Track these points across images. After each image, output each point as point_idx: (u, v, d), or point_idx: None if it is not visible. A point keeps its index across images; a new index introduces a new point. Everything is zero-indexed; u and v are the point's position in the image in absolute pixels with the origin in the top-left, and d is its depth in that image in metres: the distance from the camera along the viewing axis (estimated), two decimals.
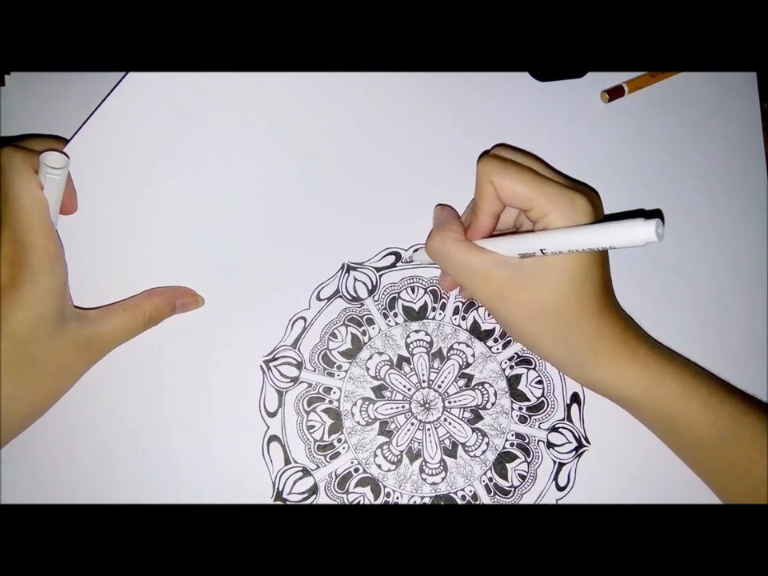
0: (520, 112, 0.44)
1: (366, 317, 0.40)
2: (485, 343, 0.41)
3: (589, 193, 0.34)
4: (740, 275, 0.44)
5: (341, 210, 0.41)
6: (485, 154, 0.41)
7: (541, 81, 0.44)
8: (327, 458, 0.39)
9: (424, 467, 0.39)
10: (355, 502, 0.39)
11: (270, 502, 0.38)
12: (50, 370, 0.34)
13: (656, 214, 0.43)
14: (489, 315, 0.41)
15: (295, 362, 0.40)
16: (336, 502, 0.39)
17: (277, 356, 0.40)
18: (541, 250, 0.32)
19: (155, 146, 0.40)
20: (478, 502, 0.39)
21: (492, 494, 0.39)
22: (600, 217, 0.36)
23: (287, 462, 0.39)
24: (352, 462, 0.39)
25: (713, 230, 0.44)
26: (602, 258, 0.35)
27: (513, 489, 0.39)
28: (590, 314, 0.35)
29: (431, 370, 0.40)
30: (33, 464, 0.37)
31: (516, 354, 0.41)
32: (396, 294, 0.41)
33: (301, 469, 0.39)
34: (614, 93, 0.44)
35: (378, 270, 0.41)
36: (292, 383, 0.40)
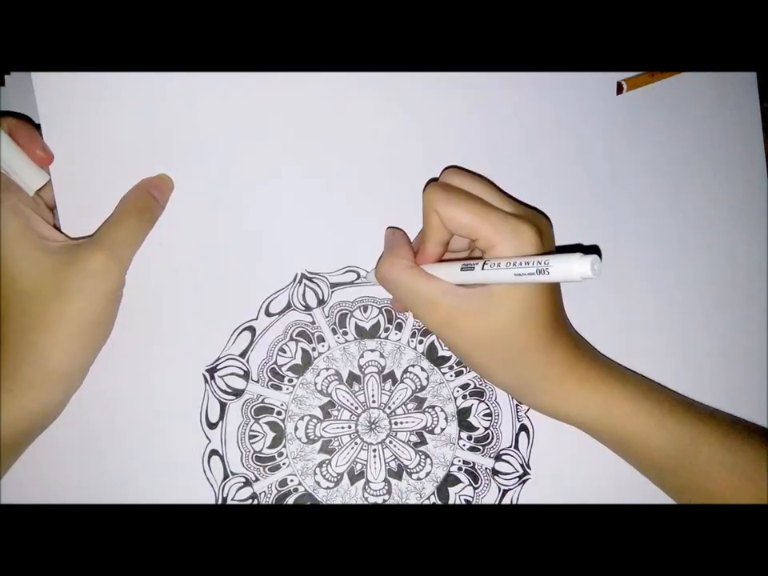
0: (515, 111, 0.43)
1: (316, 334, 0.40)
2: (439, 369, 0.41)
3: (538, 221, 0.34)
4: (740, 275, 0.44)
5: (307, 221, 0.41)
6: (432, 181, 0.40)
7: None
8: (266, 470, 0.39)
9: (367, 488, 0.39)
10: None
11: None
12: (55, 293, 0.34)
13: (593, 250, 0.42)
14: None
15: (242, 373, 0.39)
16: None
17: (219, 366, 0.39)
18: (482, 266, 0.32)
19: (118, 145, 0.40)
20: None
21: None
22: (550, 246, 0.36)
23: (226, 475, 0.39)
24: (291, 480, 0.39)
25: (713, 230, 0.44)
26: (550, 287, 0.35)
27: None
28: (537, 343, 0.34)
29: (382, 391, 0.40)
30: (33, 464, 0.37)
31: (468, 383, 0.41)
32: (348, 311, 0.40)
33: (243, 480, 0.39)
34: None
35: (333, 285, 0.40)
36: (234, 397, 0.39)
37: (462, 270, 0.33)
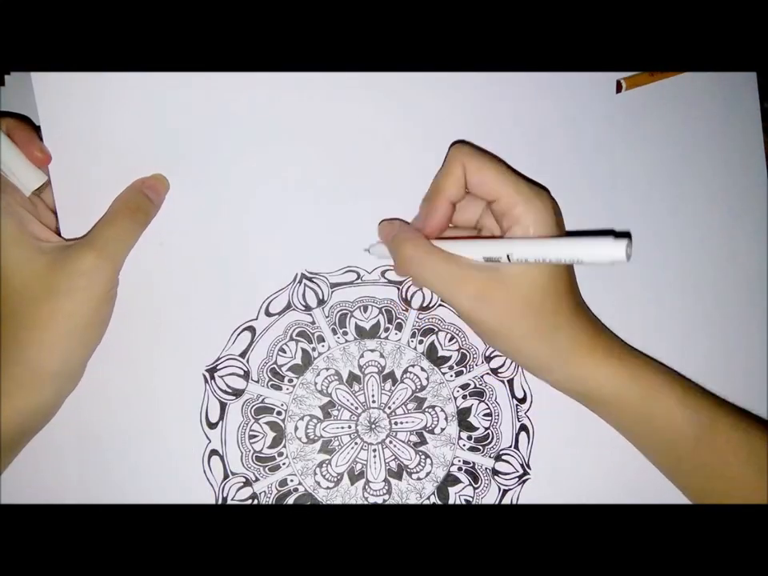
0: (515, 110, 0.43)
1: (316, 334, 0.40)
2: (439, 369, 0.41)
3: (552, 198, 0.35)
4: (740, 275, 0.44)
5: (307, 221, 0.41)
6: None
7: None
8: (266, 470, 0.39)
9: (367, 488, 0.39)
10: None
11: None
12: (47, 295, 0.34)
13: (626, 234, 0.43)
14: (463, 323, 0.41)
15: (242, 373, 0.39)
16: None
17: (219, 366, 0.39)
18: (507, 257, 0.32)
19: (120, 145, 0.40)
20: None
21: None
22: (561, 221, 0.36)
23: (227, 474, 0.39)
24: (291, 480, 0.39)
25: (713, 230, 0.44)
26: (564, 275, 0.35)
27: None
28: (568, 308, 0.35)
29: (382, 391, 0.40)
30: (33, 464, 0.37)
31: (468, 383, 0.41)
32: (348, 311, 0.40)
33: (243, 480, 0.39)
34: None
35: (333, 285, 0.40)
36: (234, 397, 0.39)
37: (485, 260, 0.33)
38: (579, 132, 0.43)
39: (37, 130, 0.39)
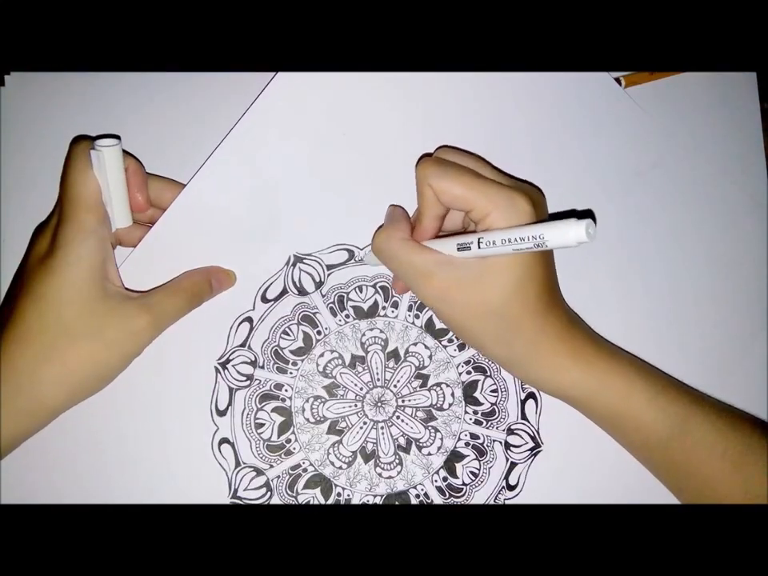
0: (515, 110, 0.43)
1: (316, 315, 0.40)
2: (440, 342, 0.41)
3: (531, 192, 0.34)
4: (740, 275, 0.44)
5: (295, 204, 0.41)
6: (425, 155, 0.41)
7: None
8: (282, 455, 0.39)
9: (378, 463, 0.40)
10: (306, 502, 0.39)
11: (227, 501, 0.39)
12: (87, 336, 0.34)
13: (587, 214, 0.43)
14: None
15: (249, 360, 0.40)
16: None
17: (229, 358, 0.40)
18: (478, 244, 0.32)
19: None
20: (430, 501, 0.40)
21: (446, 495, 0.40)
22: (543, 216, 0.36)
23: (238, 463, 0.39)
24: (302, 463, 0.39)
25: (713, 230, 0.44)
26: (545, 258, 0.35)
27: (464, 486, 0.40)
28: (531, 314, 0.35)
29: (386, 369, 0.40)
30: (33, 464, 0.37)
31: (471, 359, 0.41)
32: (345, 293, 0.41)
33: (253, 469, 0.39)
34: None
35: (329, 267, 0.41)
36: (248, 381, 0.40)
37: (458, 249, 0.33)
38: (579, 132, 0.44)
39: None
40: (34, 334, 0.34)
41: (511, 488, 0.40)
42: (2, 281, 0.39)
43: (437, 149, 0.39)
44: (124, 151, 0.36)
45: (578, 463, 0.40)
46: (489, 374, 0.41)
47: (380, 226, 0.39)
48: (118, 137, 0.37)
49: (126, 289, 0.37)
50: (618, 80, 0.44)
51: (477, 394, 0.41)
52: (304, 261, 0.41)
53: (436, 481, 0.40)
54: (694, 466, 0.36)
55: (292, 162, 0.41)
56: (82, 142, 0.36)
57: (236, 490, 0.39)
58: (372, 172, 0.41)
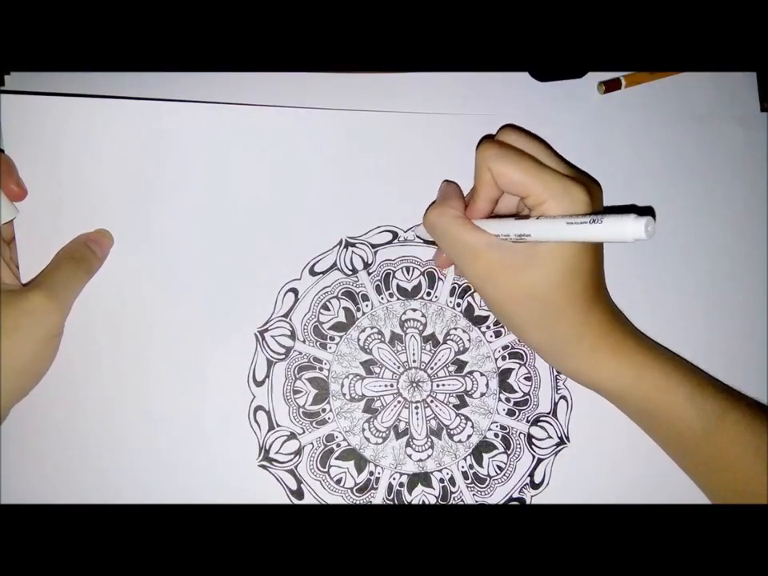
0: (517, 108, 0.44)
1: (361, 292, 0.41)
2: (479, 328, 0.41)
3: (589, 184, 0.35)
4: (740, 275, 0.44)
5: (341, 189, 0.41)
6: (487, 137, 0.41)
7: (541, 81, 0.44)
8: (314, 424, 0.39)
9: (411, 442, 0.40)
10: (337, 478, 0.39)
11: (257, 462, 0.39)
12: None
13: (648, 211, 0.43)
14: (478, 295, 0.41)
15: (288, 333, 0.40)
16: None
17: (270, 327, 0.40)
18: (527, 235, 0.32)
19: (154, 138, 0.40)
20: (455, 489, 0.40)
21: (470, 480, 0.40)
22: (599, 208, 0.36)
23: (272, 426, 0.39)
24: (336, 436, 0.39)
25: (713, 230, 0.44)
26: (595, 250, 0.35)
27: (488, 478, 0.40)
28: (576, 304, 0.35)
29: (422, 351, 0.41)
30: (33, 464, 0.37)
31: (509, 344, 0.41)
32: (391, 271, 0.41)
33: (287, 433, 0.39)
34: (611, 85, 0.44)
35: (374, 246, 0.41)
36: (285, 354, 0.40)
37: (515, 219, 0.34)
38: (579, 131, 0.44)
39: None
40: None
41: (536, 486, 0.40)
42: None
43: (499, 129, 0.39)
44: None
45: (605, 462, 0.40)
46: (524, 361, 0.41)
47: (433, 202, 0.40)
48: None
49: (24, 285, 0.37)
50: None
51: (511, 381, 0.41)
52: (356, 245, 0.41)
53: (462, 467, 0.40)
54: (726, 463, 0.36)
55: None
56: None
57: (267, 451, 0.39)
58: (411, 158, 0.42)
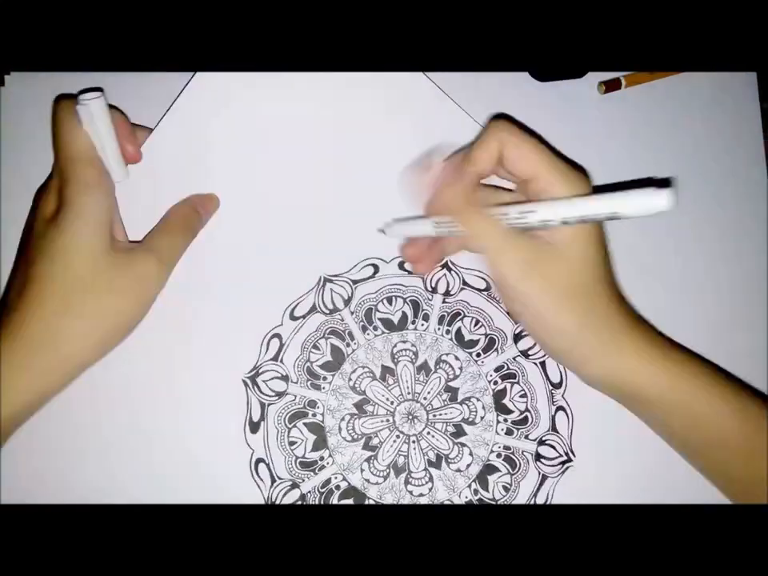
0: (517, 108, 0.43)
1: (347, 331, 0.40)
2: (469, 354, 0.41)
3: (584, 172, 0.35)
4: (740, 275, 0.44)
5: (318, 222, 0.41)
6: (498, 116, 0.40)
7: (541, 81, 0.44)
8: (315, 471, 0.39)
9: (409, 479, 0.39)
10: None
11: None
12: (103, 289, 0.35)
13: (667, 183, 0.43)
14: (500, 300, 0.41)
15: (280, 376, 0.40)
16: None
17: (260, 371, 0.40)
18: (556, 219, 0.31)
19: None
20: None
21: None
22: None
23: (273, 480, 0.39)
24: (335, 477, 0.39)
25: (713, 230, 0.44)
26: (603, 243, 0.34)
27: (494, 502, 0.39)
28: (615, 296, 0.34)
29: (416, 382, 0.40)
30: (33, 464, 0.37)
31: (501, 366, 0.41)
32: (373, 306, 0.41)
33: (289, 484, 0.39)
34: (611, 85, 0.44)
35: (354, 281, 0.41)
36: (277, 397, 0.39)
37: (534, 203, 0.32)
38: (578, 131, 0.44)
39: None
40: (49, 294, 0.34)
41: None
42: (2, 279, 0.39)
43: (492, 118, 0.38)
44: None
45: (608, 479, 0.40)
46: (517, 380, 0.41)
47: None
48: (99, 89, 0.36)
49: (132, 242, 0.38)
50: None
51: (506, 401, 0.40)
52: (334, 281, 0.41)
53: (467, 496, 0.39)
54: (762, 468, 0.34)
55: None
56: (64, 101, 0.36)
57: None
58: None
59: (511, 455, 0.40)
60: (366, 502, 0.39)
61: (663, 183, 0.37)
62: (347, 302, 0.41)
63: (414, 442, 0.40)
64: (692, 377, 0.35)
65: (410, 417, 0.40)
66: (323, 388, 0.40)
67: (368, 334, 0.40)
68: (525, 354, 0.41)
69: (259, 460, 0.39)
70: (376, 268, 0.41)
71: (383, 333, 0.40)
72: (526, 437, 0.40)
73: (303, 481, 0.39)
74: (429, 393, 0.40)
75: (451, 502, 0.39)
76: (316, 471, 0.39)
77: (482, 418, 0.40)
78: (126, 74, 0.41)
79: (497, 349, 0.41)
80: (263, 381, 0.39)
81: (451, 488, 0.39)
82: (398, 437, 0.40)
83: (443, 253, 0.40)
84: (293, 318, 0.40)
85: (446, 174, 0.37)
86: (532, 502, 0.39)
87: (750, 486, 0.36)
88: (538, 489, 0.40)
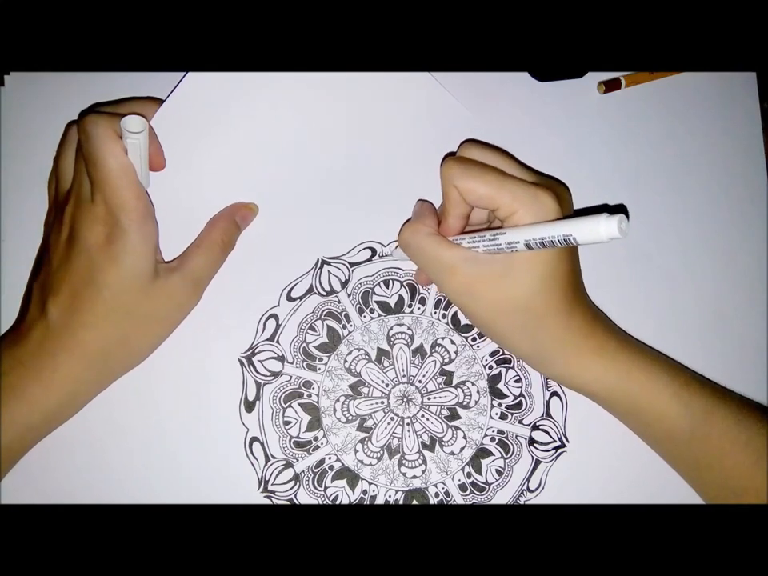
0: (517, 108, 0.44)
1: (343, 313, 0.41)
2: (465, 338, 0.41)
3: (556, 188, 0.35)
4: (740, 275, 0.44)
5: (317, 206, 0.41)
6: (449, 155, 0.41)
7: (541, 81, 0.44)
8: (309, 451, 0.39)
9: (403, 461, 0.40)
10: (333, 496, 0.39)
11: (258, 494, 0.39)
12: (146, 317, 0.36)
13: (621, 209, 0.43)
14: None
15: (276, 356, 0.40)
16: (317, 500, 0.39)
17: (257, 351, 0.40)
18: (505, 242, 0.32)
19: None
20: (450, 499, 0.39)
21: (467, 492, 0.40)
22: (569, 211, 0.36)
23: (268, 458, 0.39)
24: (329, 458, 0.39)
25: (712, 230, 0.44)
26: (570, 253, 0.35)
27: (487, 485, 0.40)
28: (556, 309, 0.35)
29: (411, 365, 0.40)
30: (33, 464, 0.37)
31: (497, 350, 0.41)
32: (369, 289, 0.41)
33: (283, 462, 0.39)
34: (611, 85, 0.44)
35: (352, 264, 0.41)
36: (273, 377, 0.40)
37: (484, 247, 0.34)
38: (579, 131, 0.44)
39: None
40: (102, 320, 0.35)
41: (531, 490, 0.40)
42: (2, 279, 0.39)
43: (460, 145, 0.39)
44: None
45: (602, 465, 0.40)
46: (512, 365, 0.41)
47: (407, 220, 0.40)
48: (142, 115, 0.35)
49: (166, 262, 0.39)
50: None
51: (500, 386, 0.41)
52: (331, 263, 0.41)
53: (460, 479, 0.40)
54: (716, 459, 0.36)
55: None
56: (100, 120, 0.35)
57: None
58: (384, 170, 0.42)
59: (505, 439, 0.40)
60: (359, 484, 0.39)
61: (617, 210, 0.38)
62: (344, 284, 0.41)
63: (408, 424, 0.40)
64: (636, 376, 0.36)
65: (405, 399, 0.40)
66: (319, 369, 0.40)
67: (364, 317, 0.41)
68: None
69: (254, 439, 0.39)
70: (373, 251, 0.41)
71: (379, 315, 0.41)
72: (520, 421, 0.40)
73: (297, 460, 0.39)
74: (424, 376, 0.40)
75: (444, 485, 0.39)
76: (310, 451, 0.39)
77: (476, 402, 0.40)
78: (125, 74, 0.41)
79: None
80: (259, 360, 0.40)
81: (444, 471, 0.40)
82: (392, 419, 0.40)
83: None
84: (290, 299, 0.41)
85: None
86: (525, 487, 0.40)
87: (701, 476, 0.37)
88: (531, 473, 0.40)
